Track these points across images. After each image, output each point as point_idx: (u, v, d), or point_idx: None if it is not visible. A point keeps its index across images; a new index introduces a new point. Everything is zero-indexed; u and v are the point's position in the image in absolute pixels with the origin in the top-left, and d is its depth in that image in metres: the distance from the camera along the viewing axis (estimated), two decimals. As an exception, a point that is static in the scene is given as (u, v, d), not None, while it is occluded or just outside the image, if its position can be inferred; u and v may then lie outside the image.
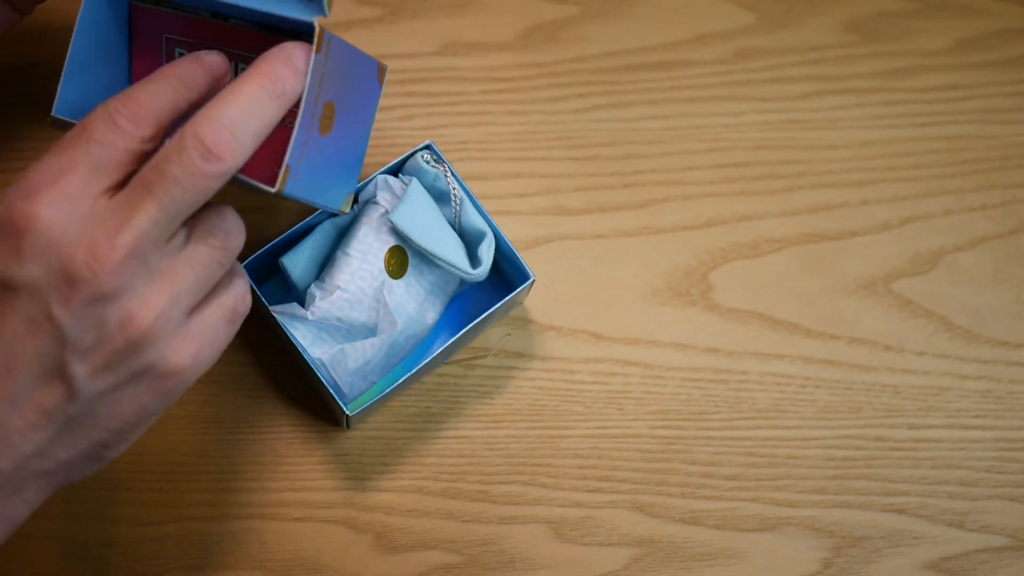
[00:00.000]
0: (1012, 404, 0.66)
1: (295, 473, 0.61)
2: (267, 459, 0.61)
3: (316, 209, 0.59)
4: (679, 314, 0.65)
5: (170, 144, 0.40)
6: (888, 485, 0.64)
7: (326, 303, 0.56)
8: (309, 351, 0.56)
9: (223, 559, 0.60)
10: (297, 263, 0.58)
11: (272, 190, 0.45)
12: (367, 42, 0.67)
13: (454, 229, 0.59)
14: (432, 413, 0.63)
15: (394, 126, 0.66)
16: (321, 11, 0.45)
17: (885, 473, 0.64)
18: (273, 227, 0.64)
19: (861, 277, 0.67)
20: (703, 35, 0.69)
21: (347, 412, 0.56)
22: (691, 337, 0.65)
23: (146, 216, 0.40)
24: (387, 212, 0.57)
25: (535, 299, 0.64)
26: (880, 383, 0.65)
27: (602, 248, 0.66)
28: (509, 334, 0.63)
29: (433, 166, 0.58)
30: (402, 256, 0.57)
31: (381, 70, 0.53)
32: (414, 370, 0.57)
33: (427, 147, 0.59)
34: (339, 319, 0.56)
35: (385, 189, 0.58)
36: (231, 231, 0.43)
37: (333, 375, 0.56)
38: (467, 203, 0.58)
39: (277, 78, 0.42)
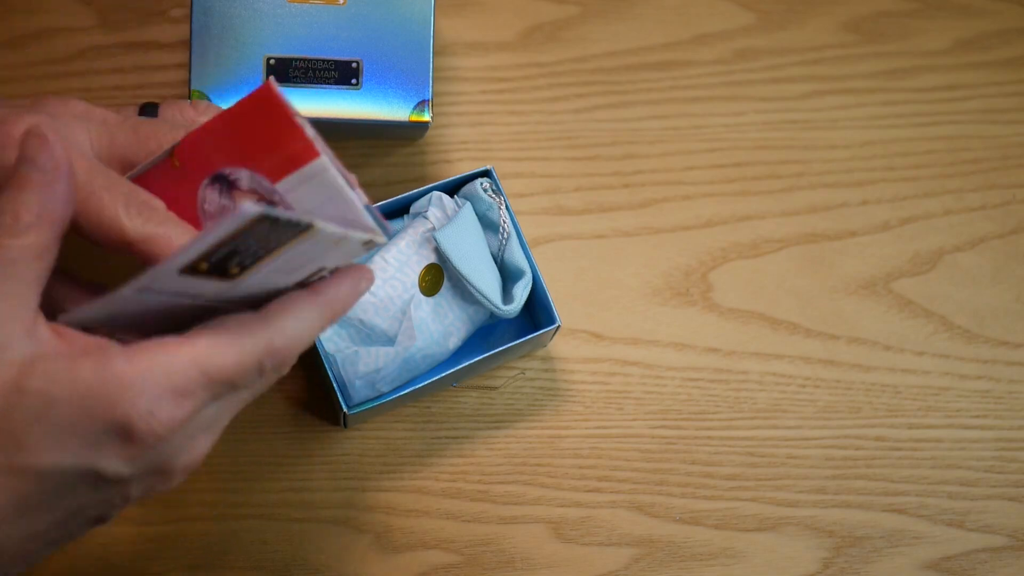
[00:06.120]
0: (1012, 404, 0.66)
1: (295, 473, 0.61)
2: (267, 459, 0.61)
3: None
4: (679, 314, 0.65)
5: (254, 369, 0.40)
6: (888, 485, 0.64)
7: None
8: (324, 344, 0.56)
9: (223, 559, 0.60)
10: None
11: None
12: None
13: (496, 262, 0.59)
14: (432, 413, 0.63)
15: (394, 126, 0.66)
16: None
17: (885, 473, 0.64)
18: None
19: (861, 277, 0.67)
20: (703, 35, 0.69)
21: (345, 410, 0.56)
22: (691, 337, 0.65)
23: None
24: (434, 229, 0.57)
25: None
26: (880, 383, 0.65)
27: (602, 248, 0.66)
28: (523, 373, 0.63)
29: (490, 196, 0.58)
30: (437, 275, 0.57)
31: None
32: (418, 386, 0.57)
33: (487, 173, 0.59)
34: (361, 320, 0.56)
35: (437, 206, 0.58)
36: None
37: (342, 373, 0.56)
38: (514, 239, 0.58)
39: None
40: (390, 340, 0.57)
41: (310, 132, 0.42)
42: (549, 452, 0.63)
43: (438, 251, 0.57)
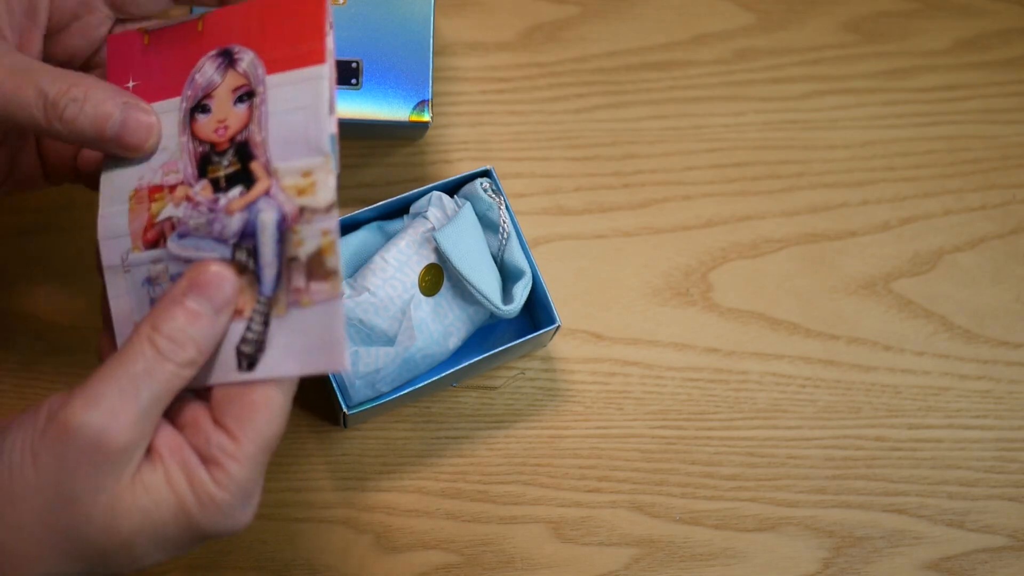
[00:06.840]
0: (1012, 404, 0.66)
1: (295, 473, 0.61)
2: (267, 459, 0.61)
3: (378, 202, 0.59)
4: (679, 314, 0.65)
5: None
6: (888, 485, 0.64)
7: (352, 302, 0.56)
8: None
9: (223, 559, 0.60)
10: None
11: None
12: (367, 42, 0.67)
13: (496, 262, 0.59)
14: (432, 413, 0.63)
15: (394, 126, 0.66)
16: None
17: (885, 473, 0.64)
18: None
19: (861, 277, 0.67)
20: (703, 35, 0.69)
21: (345, 410, 0.56)
22: (691, 337, 0.65)
23: None
24: (433, 229, 0.57)
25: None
26: (880, 383, 0.65)
27: (602, 248, 0.66)
28: (523, 373, 0.63)
29: (490, 196, 0.58)
30: (437, 275, 0.57)
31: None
32: (418, 386, 0.57)
33: (487, 173, 0.59)
34: (361, 321, 0.56)
35: (437, 206, 0.58)
36: None
37: (342, 373, 0.56)
38: (514, 239, 0.58)
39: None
40: (390, 340, 0.57)
41: (330, 44, 0.42)
42: (549, 452, 0.63)
43: (438, 251, 0.57)
